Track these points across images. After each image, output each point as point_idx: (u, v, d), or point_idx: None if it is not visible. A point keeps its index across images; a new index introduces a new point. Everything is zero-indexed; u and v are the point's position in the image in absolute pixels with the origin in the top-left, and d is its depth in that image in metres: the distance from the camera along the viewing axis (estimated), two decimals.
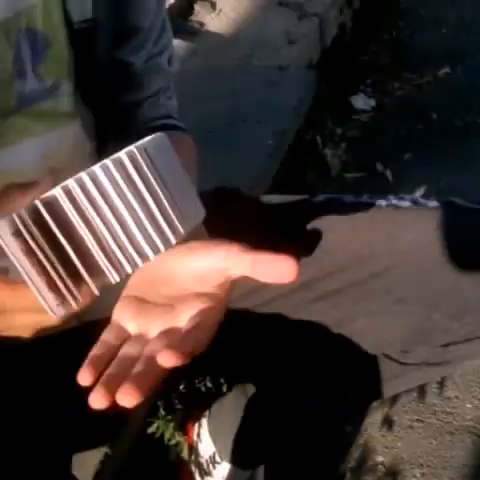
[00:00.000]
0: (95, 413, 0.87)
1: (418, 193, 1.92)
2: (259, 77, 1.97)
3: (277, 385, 1.05)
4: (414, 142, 2.13)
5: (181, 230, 0.55)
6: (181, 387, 1.35)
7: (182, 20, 2.24)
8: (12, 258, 0.53)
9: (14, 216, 0.51)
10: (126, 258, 0.54)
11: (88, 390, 0.56)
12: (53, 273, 0.53)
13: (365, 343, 0.86)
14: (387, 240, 0.80)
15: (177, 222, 0.55)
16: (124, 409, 0.53)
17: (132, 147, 0.53)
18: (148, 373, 0.54)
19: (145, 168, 0.53)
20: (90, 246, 0.53)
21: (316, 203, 0.87)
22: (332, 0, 2.35)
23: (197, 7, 2.34)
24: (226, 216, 0.86)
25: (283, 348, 0.92)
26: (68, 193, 0.51)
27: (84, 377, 0.55)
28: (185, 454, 1.25)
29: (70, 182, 0.51)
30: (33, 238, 0.52)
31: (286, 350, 0.92)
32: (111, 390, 0.54)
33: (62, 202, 0.52)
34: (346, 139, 2.14)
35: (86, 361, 0.56)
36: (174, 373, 1.00)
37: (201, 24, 2.27)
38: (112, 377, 0.55)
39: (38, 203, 0.51)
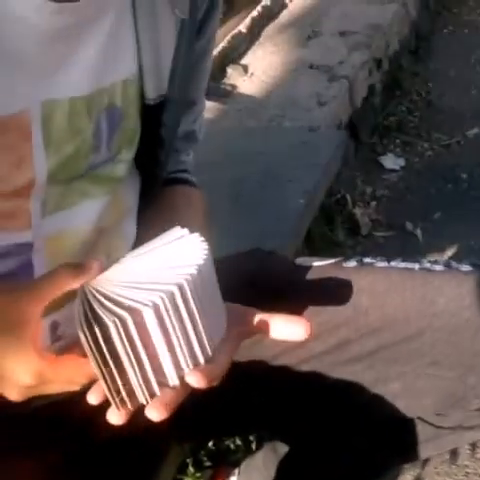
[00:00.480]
0: (124, 468, 0.87)
1: (449, 252, 1.92)
2: (290, 137, 2.01)
3: (308, 442, 1.04)
4: (444, 201, 2.14)
5: (209, 351, 0.61)
6: (210, 444, 1.35)
7: (215, 83, 2.30)
8: (87, 349, 0.56)
9: (108, 322, 0.55)
10: (158, 382, 0.58)
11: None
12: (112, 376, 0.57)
13: (399, 405, 0.86)
14: (420, 303, 0.81)
15: (207, 344, 0.61)
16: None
17: (190, 273, 0.58)
18: (173, 391, 0.59)
19: (191, 300, 0.58)
20: (130, 366, 0.57)
21: (349, 267, 0.88)
22: (361, 63, 2.40)
23: (229, 70, 2.41)
24: (261, 278, 0.88)
25: (316, 405, 0.92)
26: (156, 310, 0.56)
27: (93, 396, 0.59)
28: None
29: (159, 302, 0.56)
30: (123, 342, 0.56)
31: (319, 407, 0.92)
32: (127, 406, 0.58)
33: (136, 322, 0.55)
34: (376, 198, 2.16)
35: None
36: (203, 429, 1.00)
37: (233, 87, 2.33)
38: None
39: (128, 318, 0.55)
